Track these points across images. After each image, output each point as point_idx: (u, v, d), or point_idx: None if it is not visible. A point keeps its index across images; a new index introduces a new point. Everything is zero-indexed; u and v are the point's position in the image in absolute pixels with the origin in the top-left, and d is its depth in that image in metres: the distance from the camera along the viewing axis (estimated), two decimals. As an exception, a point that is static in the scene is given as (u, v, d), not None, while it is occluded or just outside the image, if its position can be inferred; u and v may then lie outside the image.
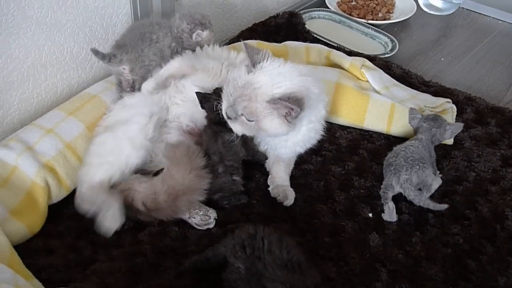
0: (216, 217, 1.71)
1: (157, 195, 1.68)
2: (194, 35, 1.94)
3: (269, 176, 1.91)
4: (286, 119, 1.69)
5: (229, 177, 1.77)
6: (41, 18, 1.83)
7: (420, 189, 1.80)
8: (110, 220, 1.62)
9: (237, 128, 1.74)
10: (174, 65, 1.85)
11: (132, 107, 1.85)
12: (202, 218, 1.69)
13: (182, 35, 1.95)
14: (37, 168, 1.68)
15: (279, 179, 1.88)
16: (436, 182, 1.84)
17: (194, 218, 1.70)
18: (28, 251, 1.58)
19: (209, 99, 1.80)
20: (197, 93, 1.81)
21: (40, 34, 1.85)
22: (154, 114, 1.82)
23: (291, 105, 1.64)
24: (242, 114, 1.70)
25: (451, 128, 1.93)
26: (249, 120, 1.70)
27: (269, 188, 1.87)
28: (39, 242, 1.63)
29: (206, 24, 1.95)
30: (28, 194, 1.66)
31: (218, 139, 1.78)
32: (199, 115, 1.88)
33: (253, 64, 1.71)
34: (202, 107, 1.82)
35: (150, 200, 1.69)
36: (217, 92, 1.79)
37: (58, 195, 1.74)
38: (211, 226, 1.70)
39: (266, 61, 1.72)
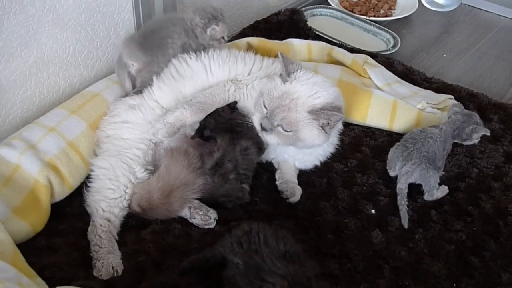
0: (217, 218, 1.71)
1: (151, 193, 1.68)
2: (208, 30, 1.95)
3: (278, 171, 1.91)
4: (323, 129, 1.71)
5: (238, 185, 1.76)
6: (43, 17, 1.82)
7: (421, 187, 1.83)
8: (108, 269, 1.56)
9: (273, 139, 1.75)
10: (185, 115, 1.81)
11: (133, 126, 1.85)
12: (202, 218, 1.69)
13: (196, 30, 1.96)
14: (40, 166, 1.68)
15: (288, 175, 1.89)
16: (441, 192, 1.85)
17: (195, 218, 1.70)
18: (31, 249, 1.58)
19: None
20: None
21: (42, 32, 1.85)
22: (153, 139, 1.84)
23: (335, 113, 1.67)
24: (278, 125, 1.71)
25: (472, 127, 1.91)
26: (286, 131, 1.71)
27: (276, 182, 1.88)
28: (42, 241, 1.63)
29: (218, 17, 1.96)
30: (30, 192, 1.66)
31: (236, 146, 1.76)
32: None
33: (288, 73, 1.72)
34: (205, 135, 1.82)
35: (144, 199, 1.69)
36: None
37: (61, 193, 1.74)
38: (212, 226, 1.70)
39: (300, 71, 1.74)
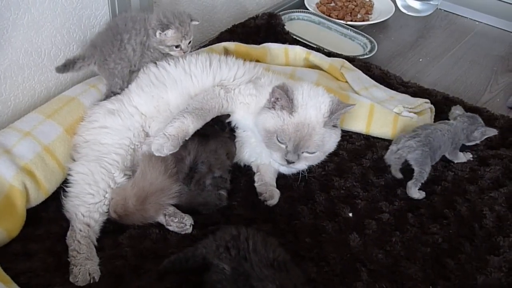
0: (193, 223, 1.71)
1: (127, 200, 1.67)
2: (157, 33, 1.90)
3: (257, 173, 1.92)
4: (336, 126, 1.79)
5: (216, 191, 1.75)
6: (18, 20, 1.80)
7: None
8: (85, 275, 1.54)
9: (302, 165, 1.80)
10: (186, 123, 1.75)
11: (112, 131, 1.83)
12: (178, 226, 1.69)
13: (149, 31, 1.91)
14: (15, 171, 1.66)
15: (268, 178, 1.90)
16: (420, 194, 1.88)
17: (170, 225, 1.69)
18: (6, 255, 1.57)
19: None
20: None
21: (17, 36, 1.83)
22: (132, 143, 1.83)
23: (343, 109, 1.74)
24: (303, 152, 1.74)
25: (481, 130, 2.01)
26: (312, 153, 1.76)
27: (255, 184, 1.88)
28: (18, 246, 1.61)
29: (172, 24, 1.89)
30: (5, 197, 1.64)
31: (206, 148, 1.76)
32: None
33: (291, 101, 1.74)
34: None
35: (120, 206, 1.68)
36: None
37: (36, 198, 1.71)
38: (188, 231, 1.69)
39: (294, 93, 1.76)
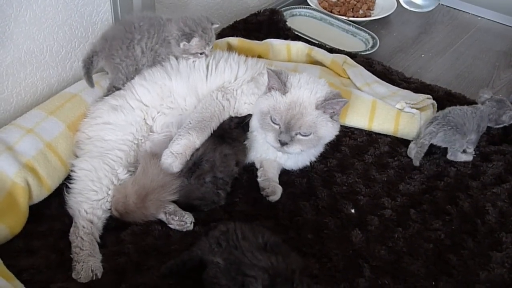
0: (193, 221, 1.70)
1: (127, 197, 1.67)
2: (181, 44, 1.90)
3: (260, 169, 1.92)
4: (333, 118, 1.78)
5: (215, 189, 1.75)
6: (20, 17, 1.80)
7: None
8: (87, 272, 1.54)
9: (296, 148, 1.77)
10: (192, 140, 1.77)
11: (115, 127, 1.83)
12: (178, 224, 1.69)
13: (170, 40, 1.92)
14: (17, 168, 1.66)
15: (271, 174, 1.90)
16: (466, 156, 1.98)
17: (171, 224, 1.69)
18: (9, 252, 1.57)
19: None
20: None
21: (19, 32, 1.83)
22: (136, 138, 1.83)
23: (338, 99, 1.74)
24: (296, 134, 1.74)
25: (510, 114, 2.04)
26: (306, 135, 1.75)
27: (258, 179, 1.89)
28: (20, 243, 1.61)
29: (196, 32, 1.89)
30: (8, 194, 1.64)
31: (217, 148, 1.77)
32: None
33: (283, 83, 1.75)
34: None
35: (120, 204, 1.68)
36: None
37: (39, 195, 1.72)
38: (190, 229, 1.69)
39: (289, 77, 1.78)
